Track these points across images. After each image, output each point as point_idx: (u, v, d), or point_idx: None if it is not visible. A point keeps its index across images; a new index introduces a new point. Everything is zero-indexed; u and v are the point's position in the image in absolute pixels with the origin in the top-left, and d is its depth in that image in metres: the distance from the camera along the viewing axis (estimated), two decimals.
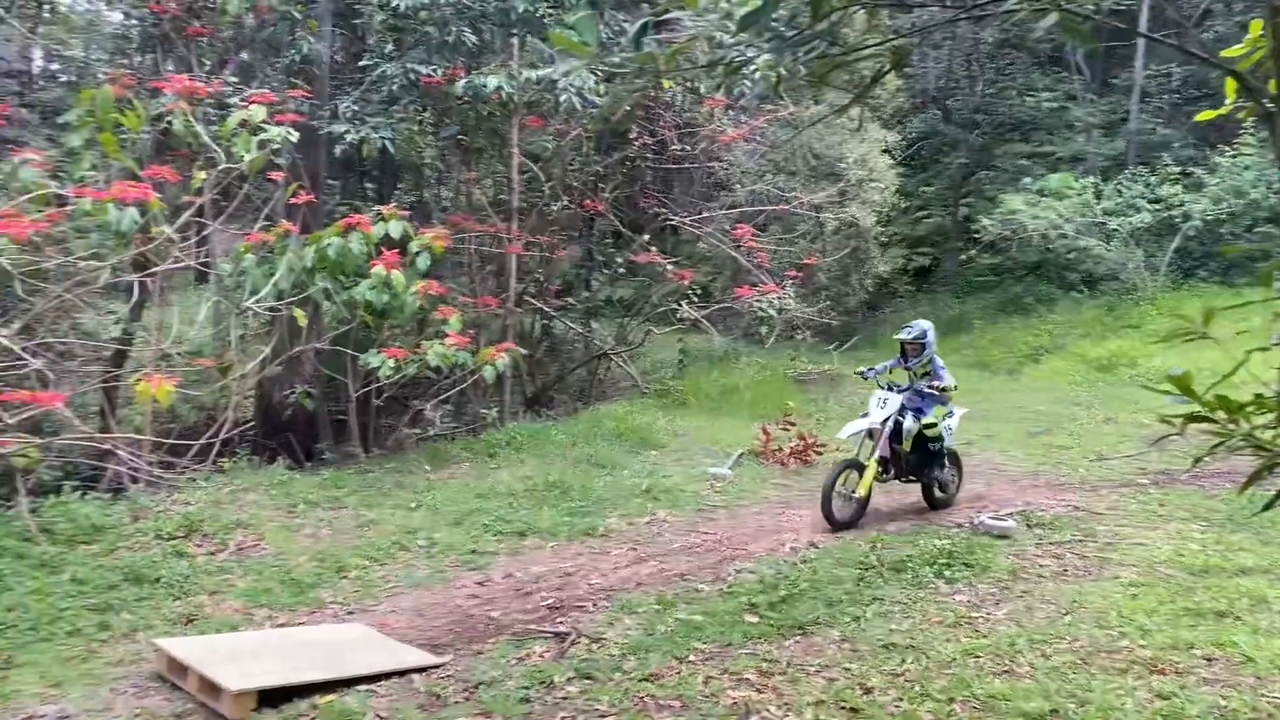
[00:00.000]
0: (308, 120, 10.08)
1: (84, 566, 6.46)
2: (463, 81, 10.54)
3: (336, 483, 8.92)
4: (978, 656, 5.18)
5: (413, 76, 10.45)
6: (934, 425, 8.31)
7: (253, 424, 9.38)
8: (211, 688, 4.83)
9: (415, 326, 10.78)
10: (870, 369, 8.75)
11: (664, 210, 15.94)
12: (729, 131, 14.84)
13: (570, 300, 15.49)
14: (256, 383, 10.71)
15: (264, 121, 8.65)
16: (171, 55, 11.36)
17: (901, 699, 4.73)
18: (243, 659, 5.10)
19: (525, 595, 6.52)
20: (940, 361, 8.55)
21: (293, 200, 9.28)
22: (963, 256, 23.75)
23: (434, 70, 10.54)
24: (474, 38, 10.77)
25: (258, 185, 9.89)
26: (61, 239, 8.14)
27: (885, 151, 19.84)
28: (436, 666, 5.28)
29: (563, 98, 10.44)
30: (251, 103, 8.77)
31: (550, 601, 6.34)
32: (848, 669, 5.06)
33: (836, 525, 7.86)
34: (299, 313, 8.98)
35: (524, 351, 12.25)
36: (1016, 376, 17.80)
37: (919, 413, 8.37)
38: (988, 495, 9.10)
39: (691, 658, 5.25)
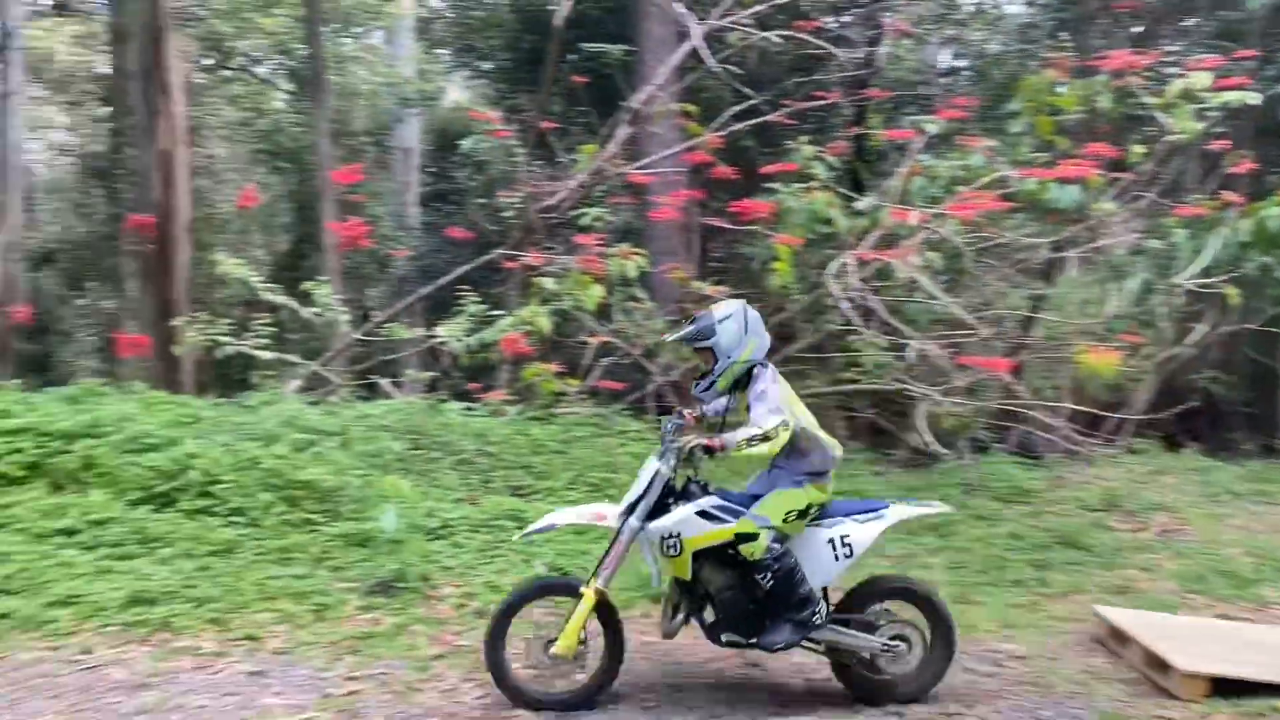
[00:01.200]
0: (1247, 84, 9.25)
1: (1018, 524, 6.99)
2: None
3: (1263, 476, 8.26)
4: None
5: None
6: (753, 536, 4.16)
7: (1176, 405, 9.08)
8: (1158, 663, 4.83)
9: None
10: (676, 414, 4.66)
11: None
12: None
13: None
14: (1163, 363, 10.31)
15: (1205, 90, 8.18)
16: (1088, 33, 11.43)
17: None
18: (1186, 642, 4.98)
19: None
20: (765, 384, 4.25)
21: (1232, 170, 8.63)
22: None
23: None
24: None
25: (1186, 156, 9.42)
26: (993, 220, 8.78)
27: None
28: None
29: None
30: (1190, 69, 8.35)
31: None
32: None
33: (531, 704, 4.29)
34: (1230, 291, 8.32)
35: None
36: None
37: (748, 503, 4.29)
38: None
39: None
